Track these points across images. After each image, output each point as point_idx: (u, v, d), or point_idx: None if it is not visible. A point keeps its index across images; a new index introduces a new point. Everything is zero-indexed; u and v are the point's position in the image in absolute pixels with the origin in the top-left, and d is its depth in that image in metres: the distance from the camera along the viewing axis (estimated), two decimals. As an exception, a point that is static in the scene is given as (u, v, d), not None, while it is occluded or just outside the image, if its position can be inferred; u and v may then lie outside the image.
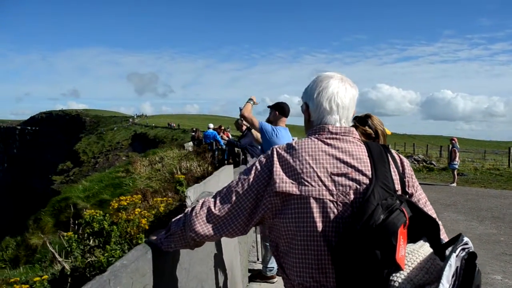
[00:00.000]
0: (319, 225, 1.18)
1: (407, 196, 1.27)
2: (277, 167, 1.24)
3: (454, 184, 13.35)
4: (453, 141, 14.20)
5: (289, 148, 1.28)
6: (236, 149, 8.54)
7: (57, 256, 2.72)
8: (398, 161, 1.32)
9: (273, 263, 3.99)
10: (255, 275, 4.14)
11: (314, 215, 1.18)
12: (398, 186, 1.24)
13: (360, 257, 1.06)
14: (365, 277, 1.06)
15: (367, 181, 1.20)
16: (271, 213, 1.26)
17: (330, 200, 1.19)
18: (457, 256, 1.06)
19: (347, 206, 1.18)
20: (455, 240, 1.13)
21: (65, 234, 2.74)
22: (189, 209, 1.37)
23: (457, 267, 1.05)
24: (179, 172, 9.62)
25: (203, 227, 1.30)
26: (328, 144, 1.27)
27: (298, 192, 1.20)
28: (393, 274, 1.06)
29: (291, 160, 1.24)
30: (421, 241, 1.17)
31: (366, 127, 2.27)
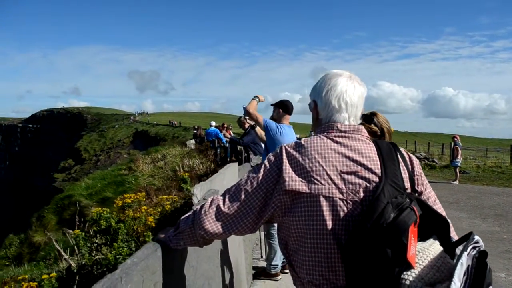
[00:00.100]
0: (329, 223, 1.18)
1: (417, 194, 1.27)
2: (286, 165, 1.25)
3: (456, 182, 13.34)
4: (455, 139, 14.17)
5: (298, 146, 1.28)
6: (238, 147, 8.55)
7: (63, 253, 2.73)
8: (407, 159, 1.32)
9: (277, 261, 4.00)
10: (259, 273, 4.15)
11: (324, 213, 1.18)
12: (407, 184, 1.24)
13: (370, 255, 1.07)
14: (375, 275, 1.06)
15: (377, 179, 1.20)
16: (281, 211, 1.26)
17: (339, 199, 1.19)
18: (468, 254, 1.06)
19: (357, 204, 1.18)
20: (466, 239, 1.13)
21: (71, 231, 2.76)
22: (198, 206, 1.37)
23: (468, 265, 1.05)
24: (181, 170, 9.63)
25: (212, 225, 1.30)
26: (337, 142, 1.27)
27: (307, 191, 1.20)
28: (404, 273, 1.06)
29: (300, 158, 1.24)
30: (431, 239, 1.17)
31: (372, 125, 2.26)
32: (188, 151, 14.42)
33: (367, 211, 1.12)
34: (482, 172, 16.46)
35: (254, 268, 4.34)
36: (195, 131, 21.07)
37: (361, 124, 2.24)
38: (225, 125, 14.00)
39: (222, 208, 1.30)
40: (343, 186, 1.20)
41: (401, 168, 1.25)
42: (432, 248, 1.13)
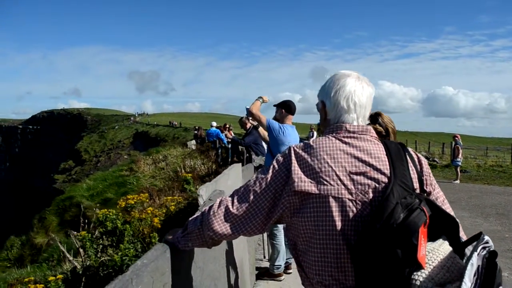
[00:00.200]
0: (338, 224, 1.18)
1: (425, 195, 1.27)
2: (295, 166, 1.25)
3: (458, 181, 13.33)
4: (456, 138, 14.17)
5: (307, 147, 1.28)
6: (240, 147, 8.54)
7: (68, 255, 2.73)
8: (416, 159, 1.33)
9: (280, 261, 4.00)
10: (262, 273, 4.15)
11: (333, 214, 1.18)
12: (416, 185, 1.24)
13: (380, 255, 1.07)
14: (385, 275, 1.07)
15: (386, 180, 1.20)
16: (289, 212, 1.26)
17: (349, 199, 1.19)
18: (478, 255, 1.06)
19: (366, 205, 1.19)
20: (475, 239, 1.14)
21: (75, 233, 2.76)
22: (206, 207, 1.38)
23: (479, 265, 1.05)
24: (183, 171, 9.63)
25: (221, 226, 1.30)
26: (346, 143, 1.27)
27: (317, 191, 1.20)
28: (415, 273, 1.06)
29: (309, 159, 1.24)
30: (440, 240, 1.17)
31: (377, 125, 2.27)
32: (189, 152, 14.42)
33: (376, 211, 1.12)
34: (483, 171, 16.45)
35: (257, 268, 4.34)
36: (196, 132, 21.08)
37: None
38: (227, 126, 14.00)
39: (231, 209, 1.30)
40: (352, 187, 1.20)
41: (410, 168, 1.26)
42: (441, 249, 1.14)
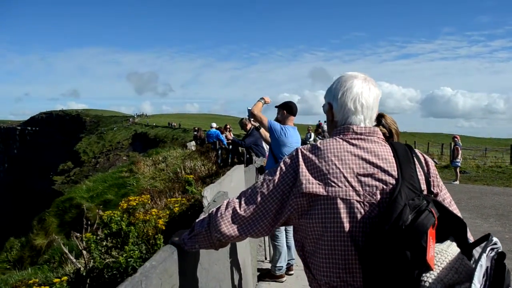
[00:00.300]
0: (346, 226, 1.18)
1: (433, 196, 1.28)
2: (302, 168, 1.25)
3: (457, 182, 13.36)
4: (456, 139, 14.20)
5: (314, 148, 1.29)
6: (240, 148, 8.55)
7: (70, 257, 2.73)
8: (423, 160, 1.33)
9: (282, 263, 4.00)
10: (264, 274, 4.15)
11: (341, 216, 1.19)
12: (423, 186, 1.25)
13: (389, 257, 1.07)
14: (394, 277, 1.07)
15: (394, 182, 1.21)
16: (297, 214, 1.26)
17: (357, 201, 1.19)
18: (487, 256, 1.06)
19: (374, 207, 1.19)
20: (483, 240, 1.14)
21: (78, 235, 2.75)
22: (213, 209, 1.38)
23: (487, 267, 1.05)
24: (183, 172, 9.63)
25: (228, 227, 1.30)
26: (353, 145, 1.27)
27: (325, 193, 1.20)
28: (424, 274, 1.07)
29: (316, 161, 1.25)
30: (448, 241, 1.18)
31: (380, 126, 2.28)
32: (189, 153, 14.42)
33: (384, 213, 1.12)
34: (482, 172, 16.48)
35: (258, 270, 4.34)
36: (195, 133, 21.08)
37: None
38: (227, 127, 14.00)
39: (239, 210, 1.30)
40: (360, 189, 1.20)
41: (417, 170, 1.26)
42: (450, 250, 1.14)
